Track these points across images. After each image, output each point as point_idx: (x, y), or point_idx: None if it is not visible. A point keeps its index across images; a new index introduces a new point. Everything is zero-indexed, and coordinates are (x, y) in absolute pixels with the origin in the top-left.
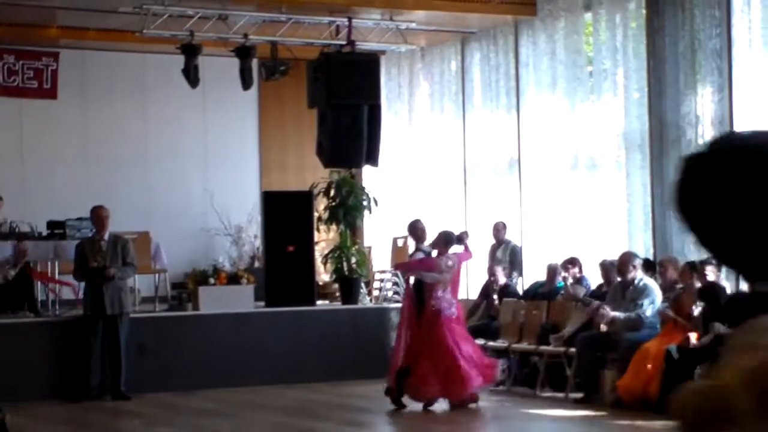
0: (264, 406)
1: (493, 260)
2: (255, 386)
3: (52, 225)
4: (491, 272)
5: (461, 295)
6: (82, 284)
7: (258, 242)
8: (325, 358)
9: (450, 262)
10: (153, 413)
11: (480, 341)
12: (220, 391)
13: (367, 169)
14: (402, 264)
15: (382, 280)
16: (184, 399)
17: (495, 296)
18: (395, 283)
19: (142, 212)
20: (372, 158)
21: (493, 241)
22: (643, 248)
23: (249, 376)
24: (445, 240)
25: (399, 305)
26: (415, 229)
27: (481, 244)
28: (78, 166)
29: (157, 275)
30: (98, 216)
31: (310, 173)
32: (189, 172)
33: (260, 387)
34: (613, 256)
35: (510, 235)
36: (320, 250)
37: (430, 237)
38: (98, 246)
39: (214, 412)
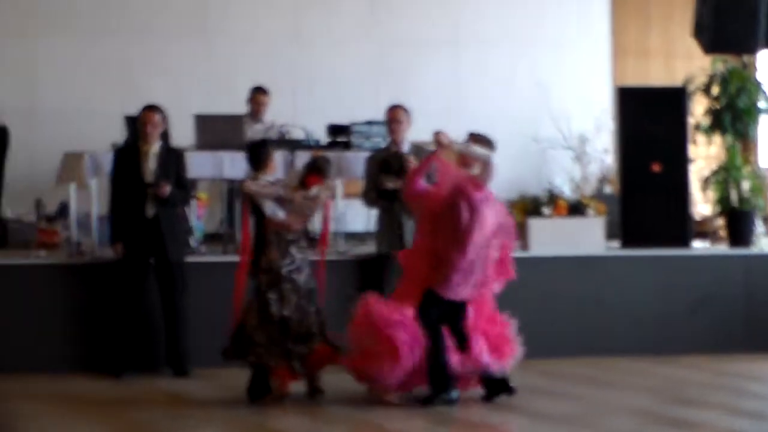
0: (616, 384)
1: None
2: (604, 357)
3: (333, 130)
4: None
5: None
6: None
7: (610, 158)
8: (703, 322)
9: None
10: None
11: None
12: (555, 362)
13: (765, 57)
14: None
15: None
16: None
17: None
18: None
19: (451, 115)
20: None
21: None
22: None
23: (596, 343)
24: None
25: None
26: None
27: None
28: (366, 51)
29: None
30: (394, 119)
31: (682, 62)
32: (514, 60)
33: (611, 359)
34: None
35: None
36: (698, 170)
37: None
38: (397, 160)
39: (546, 390)
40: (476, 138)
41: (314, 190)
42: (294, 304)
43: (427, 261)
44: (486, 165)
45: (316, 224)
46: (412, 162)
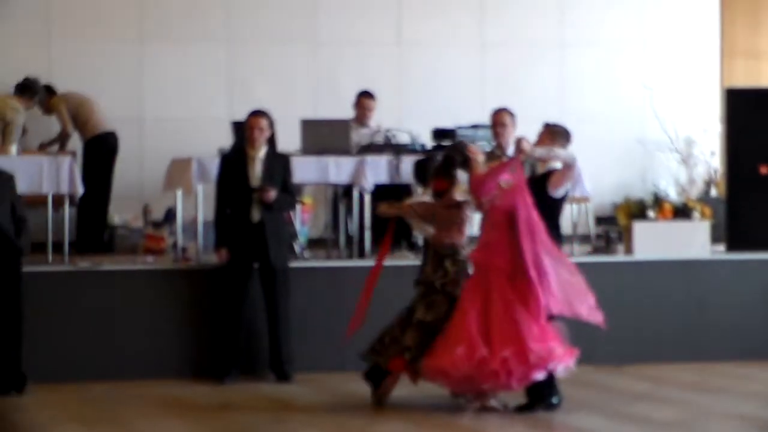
0: (722, 389)
1: None
2: (709, 362)
3: (438, 134)
4: None
5: None
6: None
7: (716, 161)
8: None
9: None
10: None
11: None
12: (659, 367)
13: None
14: None
15: None
16: (607, 376)
17: None
18: None
19: (556, 117)
20: None
21: None
22: None
23: (701, 348)
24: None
25: None
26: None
27: None
28: (471, 53)
29: (577, 206)
30: (499, 122)
31: None
32: (620, 61)
33: (716, 364)
34: None
35: None
36: None
37: None
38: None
39: (648, 395)
40: (551, 129)
41: (457, 197)
42: (443, 312)
43: (504, 256)
44: (569, 167)
45: None
46: (475, 153)
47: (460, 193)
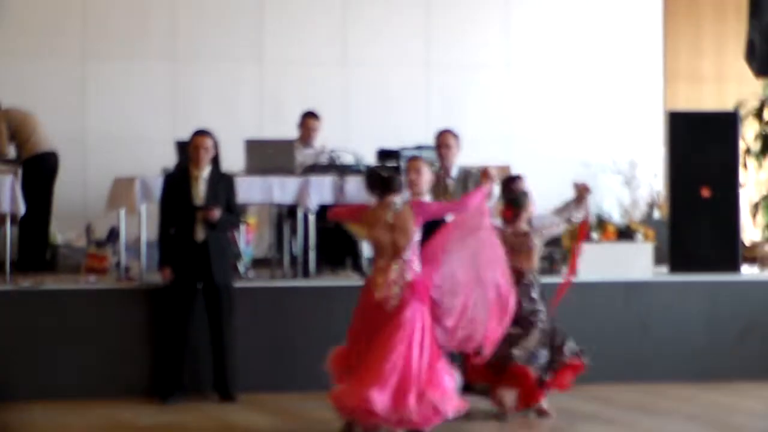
0: (664, 410)
1: None
2: (652, 383)
3: (383, 155)
4: None
5: None
6: None
7: (659, 183)
8: (752, 350)
9: None
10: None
11: None
12: (602, 387)
13: None
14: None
15: None
16: (551, 397)
17: None
18: None
19: (501, 139)
20: None
21: None
22: None
23: (643, 369)
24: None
25: None
26: None
27: None
28: (416, 74)
29: None
30: (443, 143)
31: (733, 86)
32: (565, 84)
33: (658, 384)
34: None
35: None
36: (747, 195)
37: None
38: (444, 185)
39: (592, 416)
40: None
41: (523, 226)
42: (533, 346)
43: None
44: None
45: None
46: None
47: (526, 226)
